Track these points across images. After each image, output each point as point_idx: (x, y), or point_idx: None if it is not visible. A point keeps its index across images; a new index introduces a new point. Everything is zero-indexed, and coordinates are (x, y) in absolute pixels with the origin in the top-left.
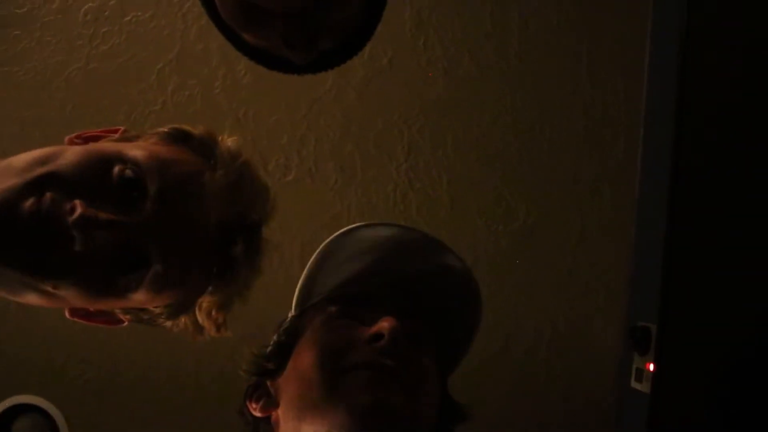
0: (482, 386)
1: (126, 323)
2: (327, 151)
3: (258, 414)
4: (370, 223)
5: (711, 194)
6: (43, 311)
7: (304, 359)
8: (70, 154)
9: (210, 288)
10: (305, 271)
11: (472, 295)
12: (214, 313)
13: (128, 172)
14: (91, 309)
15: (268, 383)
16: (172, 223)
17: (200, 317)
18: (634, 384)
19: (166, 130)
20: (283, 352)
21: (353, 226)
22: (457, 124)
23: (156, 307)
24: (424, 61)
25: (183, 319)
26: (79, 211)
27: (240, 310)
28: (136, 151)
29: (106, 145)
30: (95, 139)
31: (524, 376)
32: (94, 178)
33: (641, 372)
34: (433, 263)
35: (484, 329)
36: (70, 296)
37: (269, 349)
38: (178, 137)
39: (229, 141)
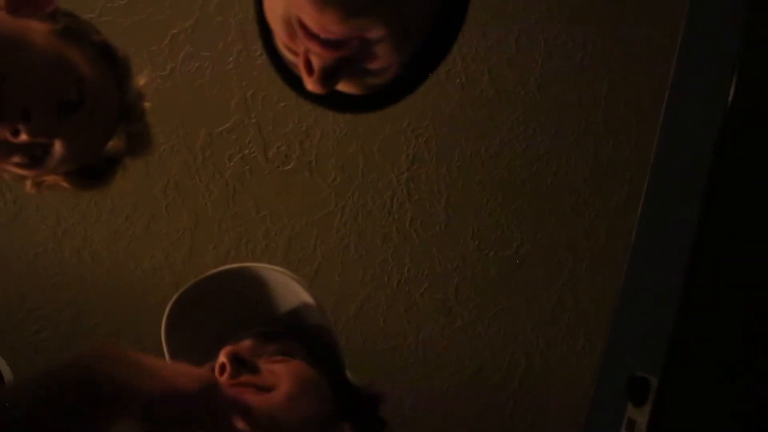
0: (449, 410)
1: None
2: (330, 147)
3: None
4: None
5: (724, 254)
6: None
7: None
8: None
9: None
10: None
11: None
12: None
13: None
14: None
15: None
16: None
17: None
18: None
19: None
20: None
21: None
22: (465, 142)
23: None
24: (443, 72)
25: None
26: None
27: None
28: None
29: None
30: None
31: (492, 406)
32: None
33: (633, 423)
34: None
35: (459, 355)
36: None
37: None
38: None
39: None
